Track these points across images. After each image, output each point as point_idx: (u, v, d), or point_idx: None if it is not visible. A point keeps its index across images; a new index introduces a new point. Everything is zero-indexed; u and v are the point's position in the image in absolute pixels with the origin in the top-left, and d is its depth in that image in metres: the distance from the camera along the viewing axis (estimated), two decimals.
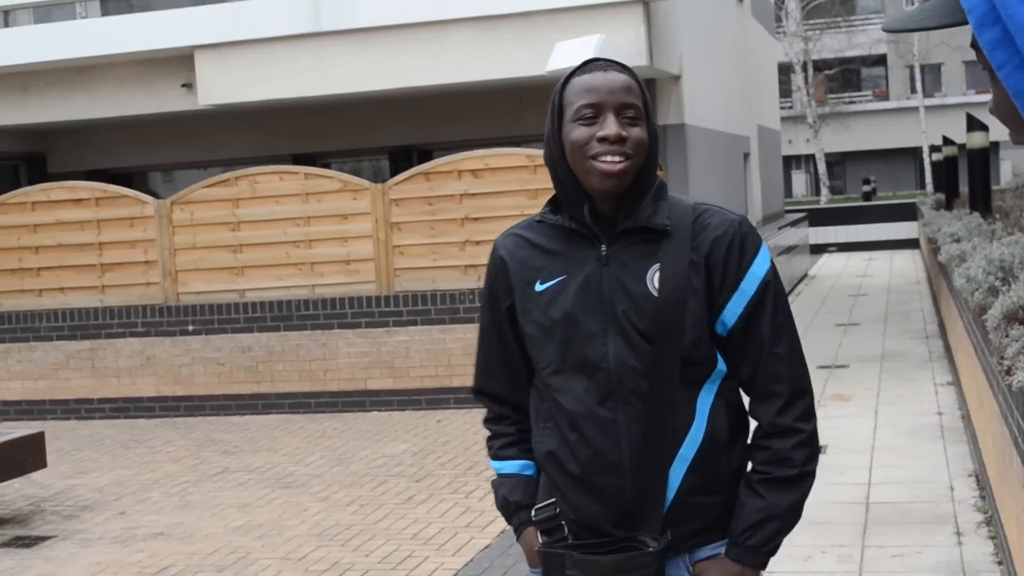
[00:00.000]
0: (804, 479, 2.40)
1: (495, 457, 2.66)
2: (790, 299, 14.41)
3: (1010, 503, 4.88)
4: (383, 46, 11.90)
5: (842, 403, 9.83)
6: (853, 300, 17.51)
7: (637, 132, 2.33)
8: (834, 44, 45.69)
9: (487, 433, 2.73)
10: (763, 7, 22.66)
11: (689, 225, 2.40)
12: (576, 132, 2.34)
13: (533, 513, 2.53)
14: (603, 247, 2.41)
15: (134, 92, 13.12)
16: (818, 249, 26.56)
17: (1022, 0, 0.92)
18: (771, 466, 2.39)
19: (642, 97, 2.36)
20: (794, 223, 21.56)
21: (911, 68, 44.74)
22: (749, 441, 2.47)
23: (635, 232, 2.39)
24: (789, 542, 6.20)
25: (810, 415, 2.39)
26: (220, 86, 12.43)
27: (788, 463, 2.38)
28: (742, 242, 2.38)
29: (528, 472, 2.60)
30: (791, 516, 2.41)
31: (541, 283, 2.46)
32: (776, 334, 2.37)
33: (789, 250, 19.77)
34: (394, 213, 10.88)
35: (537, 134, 12.94)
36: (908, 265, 22.95)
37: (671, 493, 2.39)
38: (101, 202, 11.56)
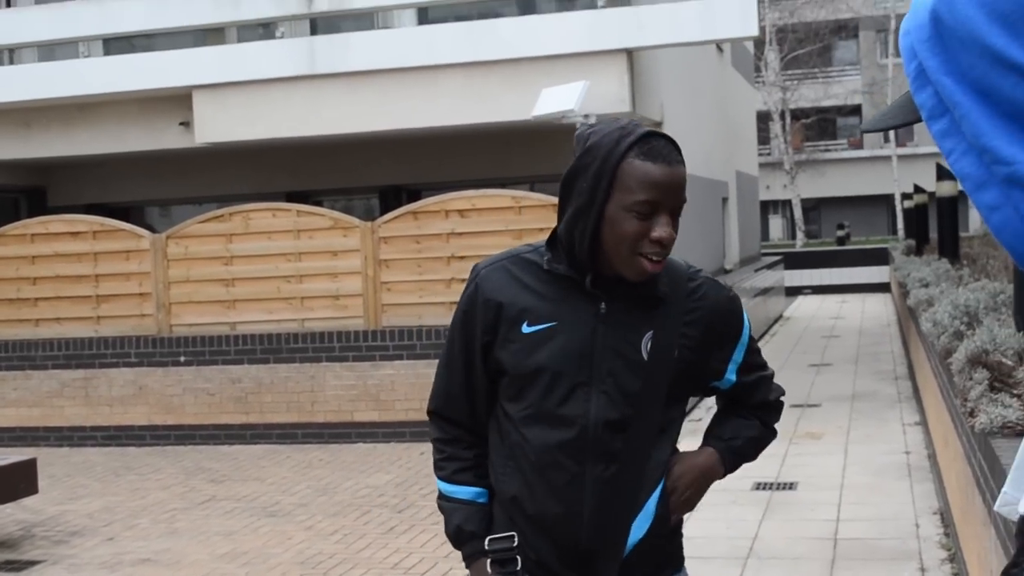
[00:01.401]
0: (775, 431, 2.73)
1: (448, 480, 2.57)
2: (765, 340, 14.49)
3: (972, 541, 4.91)
4: (376, 89, 12.05)
5: (813, 441, 9.94)
6: (826, 341, 17.61)
7: (676, 227, 2.34)
8: (811, 94, 46.20)
9: (438, 452, 2.61)
10: (743, 58, 22.83)
11: (684, 295, 2.46)
12: (628, 224, 2.28)
13: (487, 543, 2.50)
14: (603, 304, 2.40)
15: (133, 129, 13.24)
16: (793, 291, 26.68)
17: (965, 90, 0.97)
18: (766, 415, 2.68)
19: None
20: (770, 266, 21.68)
21: None
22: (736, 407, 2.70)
23: (635, 294, 2.41)
24: None
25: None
26: (217, 125, 12.55)
27: (776, 415, 2.71)
28: (733, 316, 2.54)
29: (482, 500, 2.54)
30: (758, 451, 2.70)
31: (529, 325, 2.39)
32: (758, 367, 2.65)
33: (765, 292, 19.88)
34: (383, 250, 11.06)
35: (523, 176, 13.21)
36: (880, 308, 23.05)
37: (633, 541, 2.45)
38: (98, 235, 11.72)
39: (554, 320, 2.40)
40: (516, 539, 2.48)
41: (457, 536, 2.55)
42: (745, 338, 2.58)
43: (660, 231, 2.29)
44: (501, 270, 2.47)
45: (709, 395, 2.70)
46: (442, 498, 2.60)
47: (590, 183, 2.29)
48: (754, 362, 2.63)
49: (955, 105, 0.98)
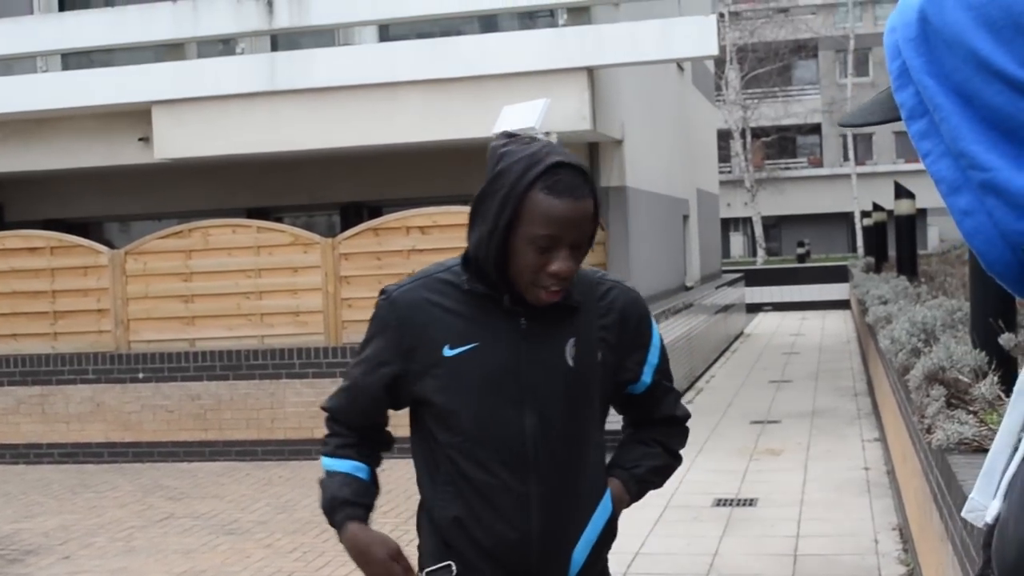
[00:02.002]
0: (679, 457, 2.71)
1: (330, 454, 2.57)
2: (726, 356, 14.54)
3: (931, 556, 4.92)
4: (337, 106, 12.02)
5: (773, 457, 10.00)
6: (786, 358, 17.74)
7: (580, 257, 2.36)
8: (771, 113, 46.65)
9: (327, 431, 2.63)
10: (703, 76, 22.98)
11: (596, 299, 2.49)
12: (528, 256, 2.29)
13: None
14: (523, 320, 2.39)
15: (92, 144, 13.13)
16: (754, 308, 26.89)
17: (948, 92, 0.97)
18: (670, 439, 2.68)
19: (595, 215, 2.37)
20: (731, 283, 21.82)
21: (844, 137, 45.73)
22: (640, 427, 2.70)
23: (552, 307, 2.40)
24: None
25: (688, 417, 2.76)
26: (176, 140, 12.48)
27: (680, 439, 2.71)
28: (643, 317, 2.58)
29: (359, 475, 2.53)
30: (663, 478, 2.70)
31: (451, 348, 2.38)
32: (668, 377, 2.67)
33: (726, 309, 20.00)
34: (343, 267, 11.07)
35: None
36: (839, 325, 23.25)
37: (579, 562, 2.45)
38: (56, 251, 11.67)
39: (476, 341, 2.39)
40: (454, 568, 2.45)
41: (330, 505, 2.51)
42: (657, 339, 2.63)
43: (558, 266, 2.29)
44: (415, 293, 2.44)
45: (621, 406, 2.67)
46: (323, 476, 2.58)
47: (495, 211, 2.29)
48: (666, 368, 2.66)
49: (936, 107, 0.98)
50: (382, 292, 2.49)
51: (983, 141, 0.95)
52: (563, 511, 2.41)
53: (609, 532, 2.53)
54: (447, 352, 2.38)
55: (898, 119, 1.07)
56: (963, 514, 1.17)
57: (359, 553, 2.46)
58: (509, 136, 2.39)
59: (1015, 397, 1.15)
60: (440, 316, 2.40)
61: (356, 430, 2.59)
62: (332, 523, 2.51)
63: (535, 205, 2.27)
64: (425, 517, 2.51)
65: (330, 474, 2.55)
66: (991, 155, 0.94)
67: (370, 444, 2.61)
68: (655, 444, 2.66)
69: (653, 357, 2.60)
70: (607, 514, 2.51)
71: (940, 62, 0.97)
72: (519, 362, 2.38)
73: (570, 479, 2.42)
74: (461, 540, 2.42)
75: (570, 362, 2.41)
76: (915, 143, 1.02)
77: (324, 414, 2.65)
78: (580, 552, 2.45)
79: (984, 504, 1.12)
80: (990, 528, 1.08)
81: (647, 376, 2.60)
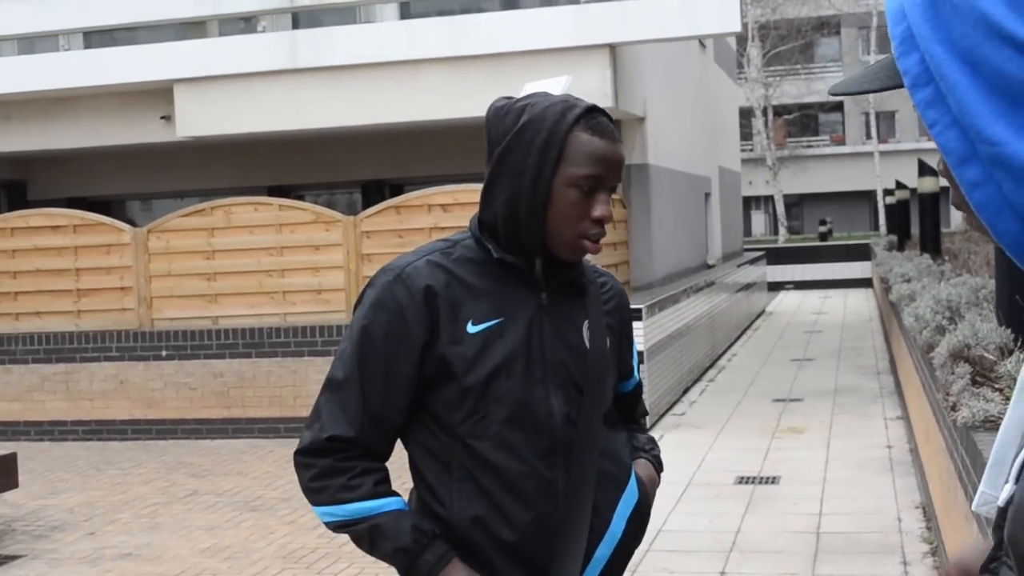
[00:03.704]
0: None
1: (371, 496, 2.23)
2: (748, 335, 14.49)
3: (954, 534, 4.93)
4: (358, 83, 12.03)
5: (796, 435, 9.98)
6: (808, 336, 17.69)
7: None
8: (793, 90, 46.45)
9: (342, 472, 2.23)
10: (725, 53, 22.88)
11: (598, 286, 2.42)
12: (571, 200, 2.20)
13: None
14: (543, 295, 2.28)
15: (114, 123, 13.17)
16: (775, 287, 26.86)
17: (954, 60, 0.94)
18: (643, 430, 2.66)
19: None
20: (753, 261, 21.78)
21: (867, 115, 45.42)
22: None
23: (567, 284, 2.32)
24: (741, 570, 6.37)
25: None
26: (198, 119, 12.50)
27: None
28: (630, 312, 2.53)
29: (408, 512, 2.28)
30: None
31: (474, 324, 2.21)
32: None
33: (747, 287, 19.96)
34: (365, 245, 11.06)
35: None
36: (861, 303, 23.19)
37: (608, 551, 2.34)
38: (79, 229, 11.68)
39: (498, 316, 2.23)
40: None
41: (418, 542, 2.22)
42: (635, 340, 2.58)
43: (601, 209, 2.22)
44: (429, 265, 2.25)
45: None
46: (364, 521, 2.24)
47: (536, 157, 2.17)
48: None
49: (943, 77, 0.94)
50: (388, 268, 2.27)
51: (990, 111, 0.92)
52: (588, 500, 2.26)
53: (638, 522, 2.41)
54: (471, 329, 2.21)
55: (897, 87, 1.04)
56: (974, 508, 1.17)
57: None
58: (507, 98, 2.28)
59: (1018, 392, 1.14)
60: (459, 289, 2.23)
61: (360, 449, 2.26)
62: (417, 564, 2.23)
63: (580, 144, 2.19)
64: (428, 520, 2.28)
65: (382, 514, 2.23)
66: (998, 127, 0.92)
67: (386, 473, 2.30)
68: (644, 433, 2.66)
69: (636, 354, 2.57)
70: (633, 501, 2.39)
71: (948, 27, 0.94)
72: (543, 338, 2.25)
73: (594, 465, 2.27)
74: (480, 538, 2.23)
75: (587, 344, 2.30)
76: (920, 112, 0.98)
77: (316, 456, 2.26)
78: (606, 546, 2.33)
79: (995, 496, 1.12)
80: (1001, 511, 1.08)
81: (636, 373, 2.57)
